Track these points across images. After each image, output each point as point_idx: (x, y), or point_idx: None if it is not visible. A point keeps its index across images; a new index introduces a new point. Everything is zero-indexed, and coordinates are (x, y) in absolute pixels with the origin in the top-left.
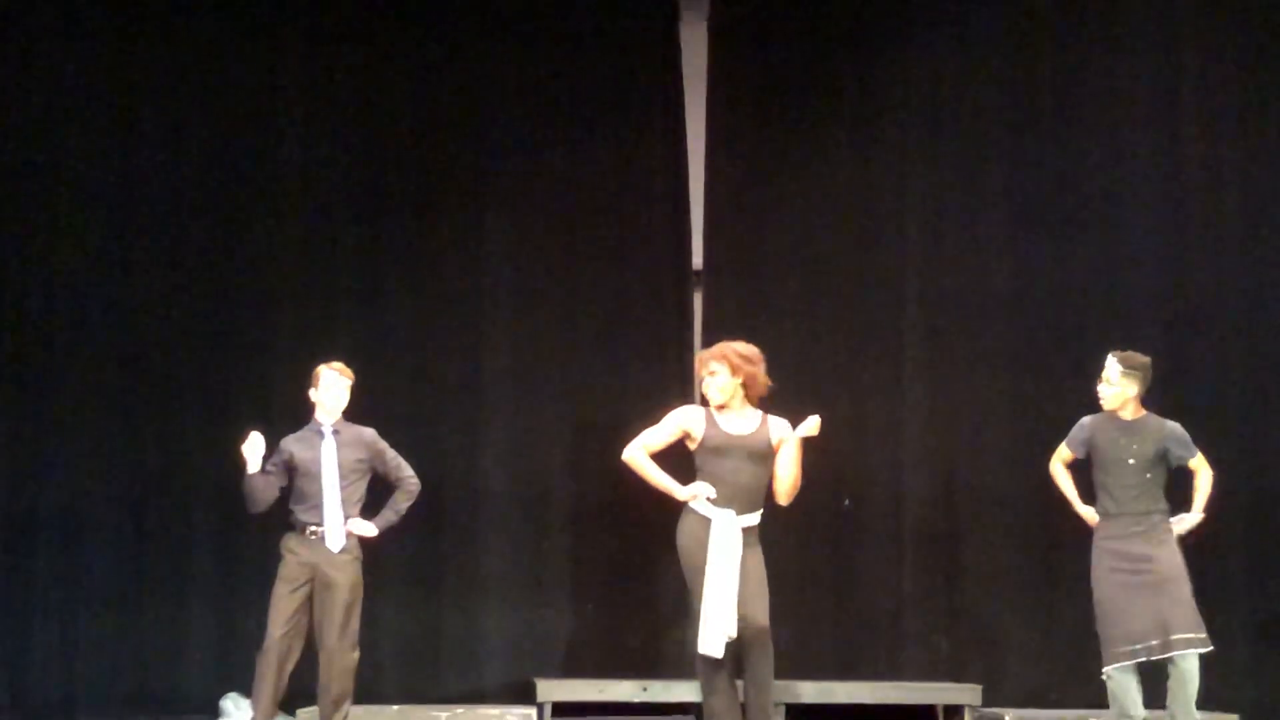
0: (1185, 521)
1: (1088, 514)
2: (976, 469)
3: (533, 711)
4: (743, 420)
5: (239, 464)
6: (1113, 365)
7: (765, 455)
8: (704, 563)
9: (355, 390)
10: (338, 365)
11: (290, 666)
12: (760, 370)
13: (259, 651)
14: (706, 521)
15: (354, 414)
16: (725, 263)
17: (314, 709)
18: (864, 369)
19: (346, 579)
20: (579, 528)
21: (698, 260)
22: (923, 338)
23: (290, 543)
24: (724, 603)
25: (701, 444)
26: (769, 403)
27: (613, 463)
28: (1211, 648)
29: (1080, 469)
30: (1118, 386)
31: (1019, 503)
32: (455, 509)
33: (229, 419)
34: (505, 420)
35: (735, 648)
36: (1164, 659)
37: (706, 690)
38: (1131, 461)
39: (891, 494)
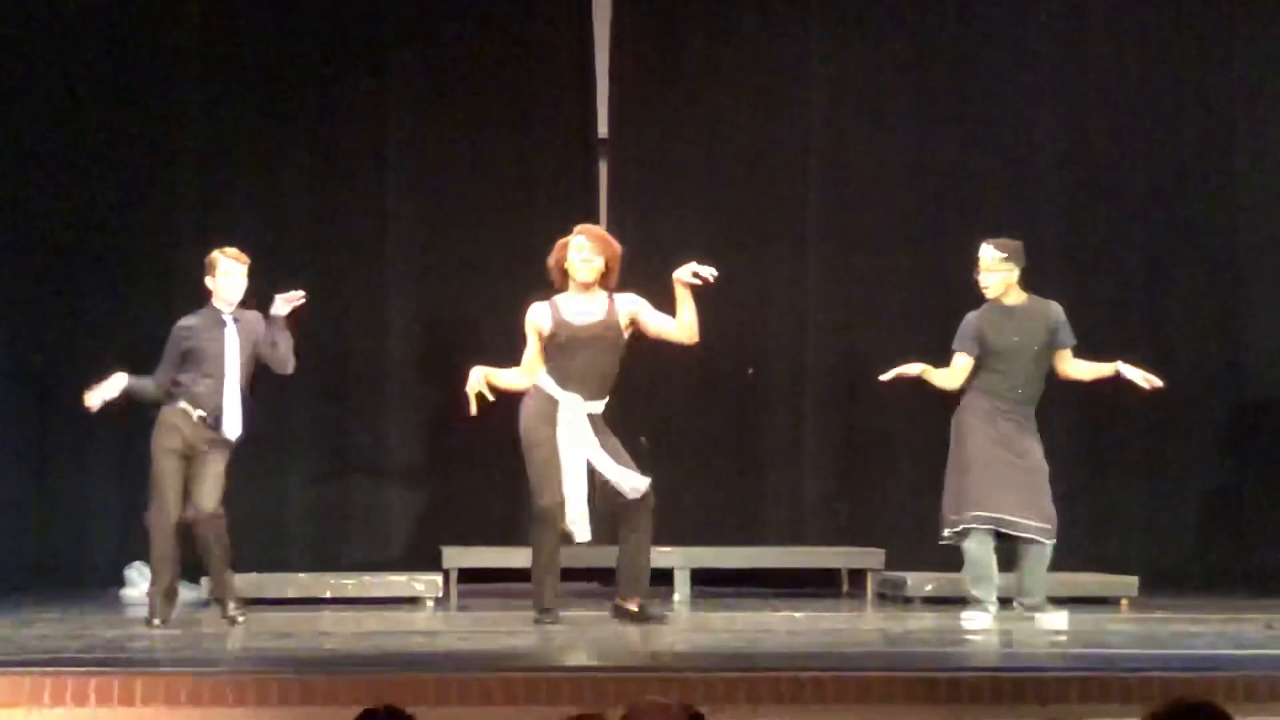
0: (1130, 371)
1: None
2: (877, 339)
3: (439, 578)
4: (589, 308)
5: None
6: (989, 252)
7: (614, 342)
8: (542, 439)
9: (255, 265)
10: (232, 251)
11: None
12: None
13: (157, 521)
14: (554, 401)
15: (255, 287)
16: (629, 132)
17: None
18: (767, 239)
19: (222, 446)
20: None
21: (602, 129)
22: (826, 208)
23: (176, 419)
24: (578, 487)
25: (550, 338)
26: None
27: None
28: (1054, 542)
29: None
30: (1000, 272)
31: None
32: (361, 379)
33: (130, 288)
34: (410, 291)
35: (613, 515)
36: (1018, 537)
37: (536, 547)
38: (1023, 347)
39: (794, 363)
